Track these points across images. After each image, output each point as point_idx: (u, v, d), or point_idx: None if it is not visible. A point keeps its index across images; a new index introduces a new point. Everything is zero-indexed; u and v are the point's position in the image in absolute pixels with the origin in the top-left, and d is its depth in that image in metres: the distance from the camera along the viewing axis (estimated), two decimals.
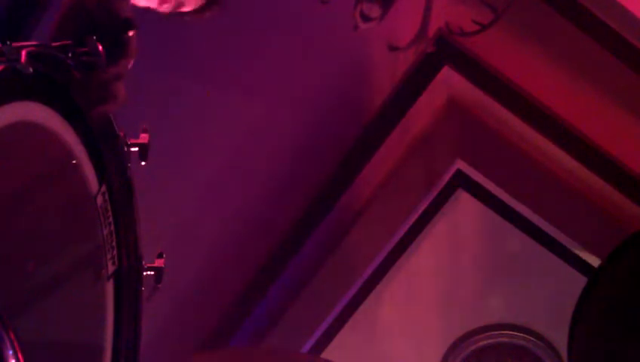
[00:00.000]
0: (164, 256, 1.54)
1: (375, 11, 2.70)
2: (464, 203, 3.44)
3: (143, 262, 1.50)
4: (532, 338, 3.57)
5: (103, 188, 1.38)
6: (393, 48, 2.94)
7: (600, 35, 2.95)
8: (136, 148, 1.44)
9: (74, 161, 1.33)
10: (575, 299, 2.93)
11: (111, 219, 1.41)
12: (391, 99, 3.27)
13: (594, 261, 3.34)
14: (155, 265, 1.53)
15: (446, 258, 3.51)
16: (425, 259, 3.49)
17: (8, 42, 1.12)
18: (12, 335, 1.03)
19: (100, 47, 1.29)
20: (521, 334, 3.58)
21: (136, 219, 1.47)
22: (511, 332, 3.58)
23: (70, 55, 1.26)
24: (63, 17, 1.37)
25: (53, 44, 1.26)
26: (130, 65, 1.41)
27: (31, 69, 1.14)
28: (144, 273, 1.50)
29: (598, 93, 3.13)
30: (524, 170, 3.38)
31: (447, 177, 3.42)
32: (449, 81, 3.27)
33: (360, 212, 3.43)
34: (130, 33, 1.39)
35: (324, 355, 3.45)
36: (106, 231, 1.40)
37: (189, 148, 2.95)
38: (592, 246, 3.38)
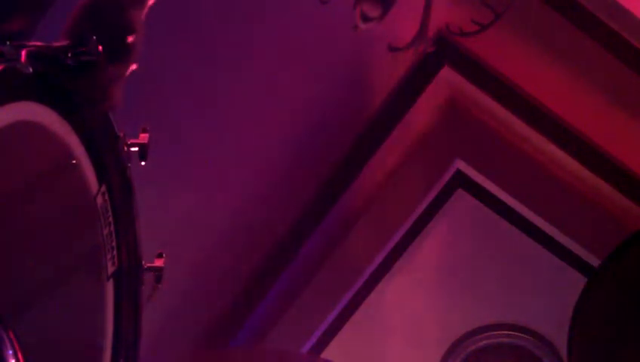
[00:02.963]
0: (164, 256, 1.54)
1: (375, 11, 2.70)
2: (464, 203, 3.44)
3: (143, 262, 1.51)
4: (532, 339, 3.57)
5: (103, 188, 1.39)
6: (393, 48, 2.94)
7: (600, 35, 2.95)
8: (136, 149, 1.44)
9: (74, 161, 1.33)
10: (575, 299, 2.93)
11: (111, 219, 1.41)
12: (391, 99, 3.27)
13: (594, 261, 3.34)
14: (155, 265, 1.53)
15: (446, 258, 3.51)
16: (425, 259, 3.49)
17: (8, 42, 1.12)
18: (12, 335, 1.03)
19: (100, 48, 1.29)
20: (521, 334, 3.57)
21: (136, 219, 1.47)
22: (511, 332, 3.58)
23: (70, 55, 1.26)
24: (75, 19, 1.37)
25: (54, 44, 1.26)
26: (130, 70, 1.41)
27: (31, 69, 1.14)
28: (144, 273, 1.51)
29: (598, 93, 3.13)
30: (524, 170, 3.38)
31: (447, 177, 3.42)
32: (449, 81, 3.27)
33: (360, 212, 3.42)
34: (131, 38, 1.40)
35: (324, 355, 3.45)
36: (105, 231, 1.40)
37: (189, 148, 2.95)
38: (592, 246, 3.38)
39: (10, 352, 1.02)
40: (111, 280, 1.43)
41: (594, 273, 3.14)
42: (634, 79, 3.03)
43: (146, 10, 1.45)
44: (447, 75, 3.25)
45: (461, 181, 3.43)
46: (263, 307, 3.39)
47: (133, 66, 1.42)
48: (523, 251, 3.46)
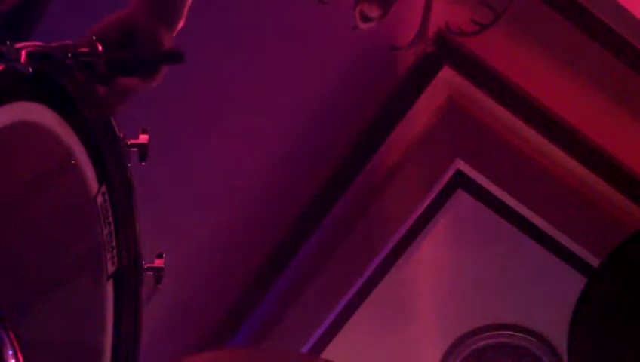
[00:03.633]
0: (164, 256, 1.54)
1: (375, 11, 2.69)
2: (464, 203, 3.44)
3: (143, 262, 1.50)
4: (532, 339, 3.57)
5: (103, 188, 1.38)
6: (393, 48, 2.94)
7: (600, 34, 2.95)
8: (136, 149, 1.44)
9: (73, 161, 1.33)
10: (575, 299, 2.93)
11: (111, 219, 1.41)
12: (391, 99, 3.27)
13: (594, 261, 3.34)
14: (155, 265, 1.52)
15: (446, 258, 3.51)
16: (425, 259, 3.49)
17: (8, 42, 1.12)
18: (12, 335, 1.03)
19: (101, 48, 1.29)
20: (521, 334, 3.57)
21: (136, 219, 1.47)
22: (511, 333, 3.58)
23: (70, 55, 1.26)
24: (102, 28, 1.38)
25: (54, 44, 1.26)
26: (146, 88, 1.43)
27: (30, 69, 1.14)
28: (144, 273, 1.50)
29: (598, 93, 3.13)
30: (524, 170, 3.38)
31: (447, 177, 3.42)
32: (449, 81, 3.27)
33: (360, 212, 3.42)
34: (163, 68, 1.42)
35: (324, 355, 3.45)
36: (105, 231, 1.39)
37: (189, 148, 2.96)
38: (592, 246, 3.38)
39: (10, 352, 1.02)
40: (111, 280, 1.43)
41: (594, 273, 3.14)
42: (634, 79, 3.03)
43: (175, 33, 1.47)
44: (447, 75, 3.25)
45: (461, 181, 3.43)
46: (263, 307, 3.39)
47: (153, 84, 1.44)
48: (523, 251, 3.46)
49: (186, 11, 1.49)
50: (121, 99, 1.40)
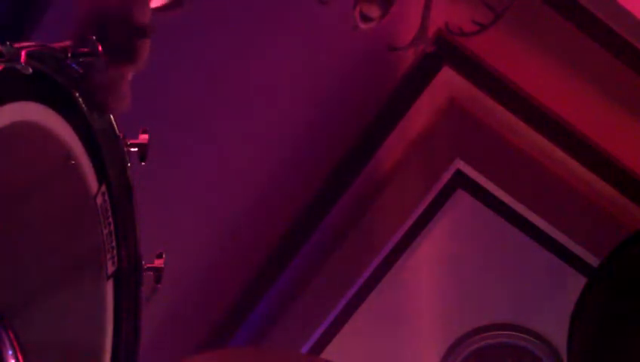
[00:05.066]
0: (164, 256, 1.54)
1: (375, 11, 2.69)
2: (464, 203, 3.44)
3: (143, 262, 1.51)
4: (532, 339, 3.57)
5: (103, 188, 1.39)
6: (393, 48, 2.94)
7: (600, 35, 2.95)
8: (136, 149, 1.44)
9: (73, 161, 1.33)
10: (575, 299, 2.94)
11: (111, 219, 1.41)
12: (391, 99, 3.27)
13: (594, 261, 3.34)
14: (155, 265, 1.53)
15: (446, 258, 3.51)
16: (425, 259, 3.49)
17: (8, 42, 1.12)
18: (12, 335, 1.03)
19: (101, 48, 1.29)
20: (521, 334, 3.57)
21: (136, 219, 1.47)
22: (511, 333, 3.58)
23: (70, 55, 1.26)
24: (81, 20, 1.37)
25: (54, 44, 1.26)
26: (133, 72, 1.41)
27: (30, 69, 1.14)
28: (144, 273, 1.51)
29: (598, 93, 3.13)
30: (524, 170, 3.38)
31: (446, 177, 3.42)
32: (449, 81, 3.27)
33: (360, 212, 3.42)
34: (140, 41, 1.39)
35: (324, 355, 3.45)
36: (105, 231, 1.40)
37: (189, 148, 2.96)
38: (592, 246, 3.38)
39: (10, 352, 1.03)
40: (111, 280, 1.43)
41: (594, 273, 3.14)
42: (634, 79, 3.03)
43: (149, 12, 1.44)
44: (447, 75, 3.25)
45: (461, 181, 3.43)
46: (263, 307, 3.39)
47: (137, 68, 1.41)
48: (523, 251, 3.46)
49: None
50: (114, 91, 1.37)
